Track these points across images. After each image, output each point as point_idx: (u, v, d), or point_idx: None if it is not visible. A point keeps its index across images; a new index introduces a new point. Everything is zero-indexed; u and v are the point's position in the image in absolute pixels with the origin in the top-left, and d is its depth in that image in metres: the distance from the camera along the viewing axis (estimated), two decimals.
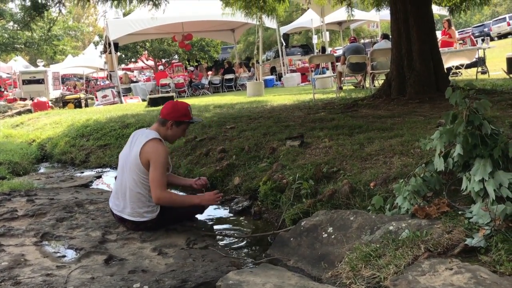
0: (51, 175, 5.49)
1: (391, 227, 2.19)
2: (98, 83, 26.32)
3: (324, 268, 2.21)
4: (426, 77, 6.05)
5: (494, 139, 2.15)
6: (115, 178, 3.24)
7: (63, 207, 3.52)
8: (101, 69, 26.41)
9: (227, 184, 4.13)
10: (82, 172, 5.74)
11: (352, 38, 11.61)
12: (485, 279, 1.64)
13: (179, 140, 5.47)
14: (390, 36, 7.29)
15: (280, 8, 9.40)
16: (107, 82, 18.94)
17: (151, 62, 28.83)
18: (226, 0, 8.97)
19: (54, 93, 19.46)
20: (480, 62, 10.61)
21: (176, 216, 3.09)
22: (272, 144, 4.38)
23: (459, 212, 2.14)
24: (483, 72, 10.66)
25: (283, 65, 17.92)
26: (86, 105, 15.08)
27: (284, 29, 20.37)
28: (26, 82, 19.56)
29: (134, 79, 24.51)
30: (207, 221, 3.43)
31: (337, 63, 10.51)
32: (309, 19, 18.08)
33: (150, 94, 14.25)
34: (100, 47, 22.98)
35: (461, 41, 11.97)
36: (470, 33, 23.04)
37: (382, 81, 7.88)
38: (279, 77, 18.44)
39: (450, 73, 10.28)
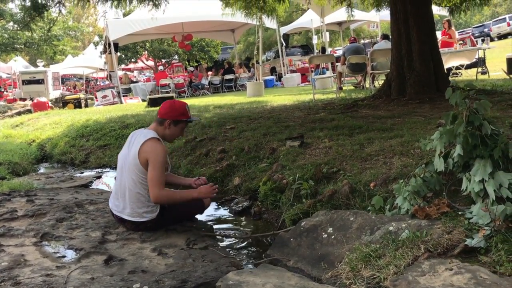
0: (51, 175, 5.49)
1: (391, 228, 2.19)
2: (98, 83, 26.33)
3: (324, 268, 2.21)
4: (426, 77, 6.06)
5: (494, 139, 2.15)
6: (115, 178, 3.24)
7: (63, 208, 3.52)
8: (101, 69, 26.41)
9: (227, 185, 4.13)
10: (82, 173, 5.74)
11: (352, 39, 11.62)
12: (485, 280, 1.64)
13: (179, 141, 5.48)
14: (390, 37, 7.29)
15: (280, 9, 9.40)
16: (107, 82, 18.95)
17: (151, 63, 28.84)
18: (226, 0, 8.97)
19: (54, 93, 19.47)
20: (480, 63, 10.61)
21: (176, 216, 3.09)
22: (272, 145, 4.38)
23: (459, 213, 2.14)
24: (483, 73, 10.67)
25: (283, 66, 17.92)
26: (86, 106, 15.08)
27: (284, 30, 20.37)
28: (26, 82, 19.57)
29: (134, 80, 24.52)
30: (207, 221, 3.43)
31: (337, 64, 10.51)
32: (309, 19, 18.08)
33: (150, 95, 14.25)
34: (100, 47, 22.99)
35: (461, 42, 11.97)
36: (470, 33, 23.06)
37: (382, 81, 7.88)
38: (279, 77, 18.45)
39: (450, 74, 10.29)
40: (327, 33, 16.42)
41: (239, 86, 17.56)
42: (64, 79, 28.90)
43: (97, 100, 15.00)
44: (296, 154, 3.92)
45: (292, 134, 4.53)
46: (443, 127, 2.38)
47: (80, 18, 49.52)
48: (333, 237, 2.39)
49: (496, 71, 10.65)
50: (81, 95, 16.21)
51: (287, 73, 17.63)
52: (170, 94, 13.53)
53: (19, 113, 13.43)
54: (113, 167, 5.63)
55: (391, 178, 2.87)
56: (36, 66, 23.42)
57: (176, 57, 27.60)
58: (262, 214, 3.43)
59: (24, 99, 17.43)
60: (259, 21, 12.20)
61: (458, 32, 17.92)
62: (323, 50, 16.02)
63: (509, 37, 26.59)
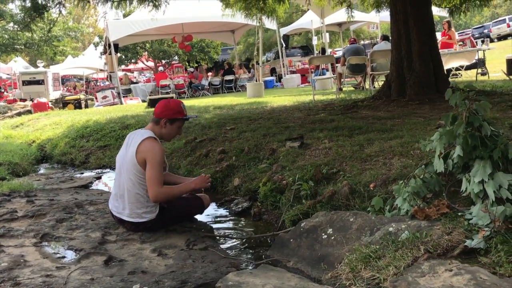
0: (51, 176, 5.49)
1: (390, 229, 2.19)
2: (98, 84, 26.31)
3: (323, 269, 2.21)
4: (426, 78, 6.06)
5: (494, 140, 2.15)
6: (114, 180, 3.24)
7: (62, 208, 3.52)
8: (101, 70, 26.45)
9: (227, 185, 4.13)
10: (82, 173, 5.74)
11: (352, 40, 11.63)
12: (484, 281, 1.64)
13: (179, 141, 5.48)
14: (390, 38, 7.29)
15: (280, 9, 9.40)
16: (107, 83, 18.95)
17: (151, 63, 28.86)
18: (226, 1, 8.98)
19: (54, 94, 19.48)
20: (480, 64, 10.62)
21: (176, 216, 3.09)
22: (272, 145, 4.38)
23: (459, 214, 2.14)
24: (483, 74, 10.67)
25: (283, 66, 17.93)
26: (86, 106, 15.10)
27: (284, 30, 20.38)
28: (26, 83, 19.58)
29: (134, 80, 24.54)
30: (207, 222, 3.43)
31: (337, 65, 10.51)
32: (309, 20, 18.10)
33: (150, 95, 14.26)
34: (100, 48, 23.01)
35: (461, 43, 11.98)
36: (470, 34, 23.06)
37: (382, 82, 7.89)
38: (279, 78, 18.45)
39: (450, 75, 10.29)
40: (327, 34, 16.44)
41: (239, 87, 17.57)
42: (64, 80, 28.94)
43: (97, 101, 15.01)
44: (296, 155, 3.92)
45: (292, 135, 4.53)
46: (442, 128, 2.38)
47: (80, 18, 49.55)
48: (333, 238, 2.39)
49: (495, 72, 10.66)
50: (81, 96, 16.23)
51: (287, 74, 17.63)
52: (170, 95, 13.54)
53: (19, 114, 13.44)
54: (113, 167, 5.62)
55: (390, 179, 2.88)
56: (36, 66, 23.43)
57: (176, 58, 27.62)
58: (262, 215, 3.43)
59: (24, 100, 17.43)
60: (259, 22, 12.22)
61: (458, 33, 17.93)
62: (323, 51, 16.04)
63: (509, 38, 26.62)
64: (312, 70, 12.78)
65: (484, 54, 10.80)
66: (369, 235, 2.26)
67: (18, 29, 20.86)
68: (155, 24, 13.59)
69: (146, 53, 27.27)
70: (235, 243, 3.00)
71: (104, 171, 5.76)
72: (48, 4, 7.77)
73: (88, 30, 47.37)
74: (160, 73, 18.97)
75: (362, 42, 24.06)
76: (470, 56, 10.20)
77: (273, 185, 3.48)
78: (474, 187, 2.09)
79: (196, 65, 25.30)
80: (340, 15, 14.87)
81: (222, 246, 2.91)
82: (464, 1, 8.18)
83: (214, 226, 3.36)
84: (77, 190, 4.41)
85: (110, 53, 15.17)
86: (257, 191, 3.64)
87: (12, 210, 3.47)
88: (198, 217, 3.36)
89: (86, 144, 6.93)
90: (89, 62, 26.37)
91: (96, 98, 15.48)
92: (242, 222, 3.45)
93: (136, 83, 20.55)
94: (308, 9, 17.22)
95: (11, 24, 22.30)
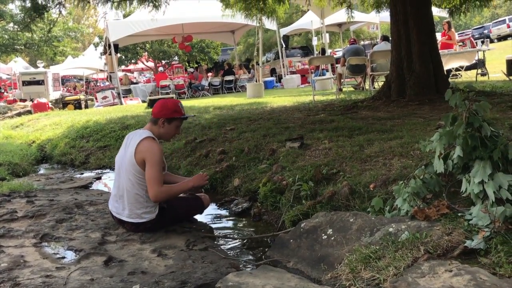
0: (51, 176, 5.49)
1: (390, 229, 2.19)
2: (98, 84, 26.34)
3: (323, 269, 2.21)
4: (426, 79, 6.07)
5: (493, 141, 2.15)
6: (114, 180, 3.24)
7: (62, 208, 3.52)
8: (101, 71, 26.46)
9: (226, 186, 4.13)
10: (82, 173, 5.74)
11: (352, 40, 11.63)
12: (484, 281, 1.64)
13: (179, 142, 5.48)
14: (390, 38, 7.30)
15: (280, 10, 9.41)
16: (107, 83, 18.96)
17: (151, 64, 28.87)
18: (226, 1, 8.98)
19: (54, 94, 19.47)
20: (479, 64, 10.62)
21: (175, 217, 3.09)
22: (272, 146, 4.38)
23: (459, 214, 2.14)
24: (483, 74, 10.68)
25: (283, 67, 17.94)
26: (86, 106, 15.09)
27: (284, 31, 20.40)
28: (26, 83, 19.58)
29: (134, 81, 24.55)
30: (207, 222, 3.43)
31: (337, 65, 10.51)
32: (309, 20, 18.12)
33: (150, 96, 14.27)
34: (100, 49, 23.01)
35: (461, 43, 11.99)
36: (470, 35, 23.09)
37: (382, 83, 7.89)
38: (279, 78, 18.46)
39: (450, 75, 10.29)
40: (327, 35, 16.45)
41: (239, 87, 17.58)
42: (64, 80, 28.94)
43: (97, 101, 15.02)
44: (296, 155, 3.92)
45: (292, 135, 4.53)
46: (442, 128, 2.38)
47: (80, 19, 49.57)
48: (332, 238, 2.39)
49: (495, 72, 10.67)
50: (81, 96, 16.22)
51: (287, 74, 17.64)
52: (170, 95, 13.54)
53: (19, 114, 13.44)
54: (113, 168, 5.60)
55: (390, 180, 2.88)
56: (36, 67, 23.44)
57: (176, 58, 27.63)
58: (261, 215, 3.43)
59: (24, 100, 17.42)
60: (259, 23, 12.23)
61: (458, 34, 17.94)
62: (323, 51, 16.04)
63: (508, 38, 26.63)
64: (312, 70, 12.79)
65: (484, 54, 10.80)
66: (369, 235, 2.26)
67: (18, 29, 20.86)
68: (155, 25, 13.60)
69: (146, 53, 27.29)
70: (235, 243, 3.00)
71: (104, 171, 5.76)
72: (48, 5, 7.78)
73: (88, 31, 47.39)
74: (160, 74, 18.97)
75: (362, 42, 24.08)
76: (470, 56, 10.21)
77: (273, 185, 3.48)
78: (474, 188, 2.09)
79: (196, 65, 25.31)
80: (340, 15, 14.89)
81: (222, 247, 2.90)
82: (464, 1, 8.18)
83: (214, 226, 3.36)
84: (77, 191, 4.41)
85: (110, 54, 15.17)
86: (257, 192, 3.64)
87: (12, 210, 3.47)
88: (198, 217, 3.36)
89: (86, 144, 6.93)
90: (89, 62, 26.38)
91: (96, 99, 15.48)
92: (242, 223, 3.45)
93: (136, 83, 20.57)
94: (308, 10, 17.25)
95: (11, 24, 22.31)
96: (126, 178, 2.92)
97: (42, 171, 6.35)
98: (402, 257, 1.91)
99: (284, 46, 18.81)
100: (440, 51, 7.28)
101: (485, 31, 30.66)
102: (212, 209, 3.73)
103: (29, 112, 13.43)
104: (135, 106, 12.09)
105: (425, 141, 2.56)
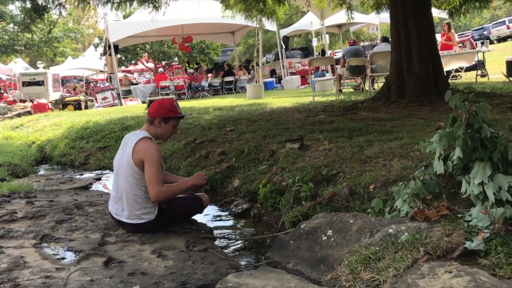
0: (51, 177, 5.48)
1: (390, 230, 2.19)
2: (98, 85, 26.33)
3: (323, 271, 2.21)
4: (426, 80, 6.07)
5: (493, 142, 2.15)
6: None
7: (62, 209, 3.52)
8: (101, 71, 26.46)
9: (226, 187, 4.13)
10: (82, 174, 5.74)
11: (351, 41, 11.63)
12: (484, 282, 1.64)
13: (179, 142, 5.48)
14: (390, 39, 7.30)
15: (280, 11, 9.42)
16: (107, 84, 18.95)
17: (151, 64, 28.87)
18: (226, 2, 8.98)
19: (54, 95, 19.46)
20: (479, 65, 10.63)
21: (175, 217, 3.09)
22: (272, 147, 4.38)
23: (459, 215, 2.14)
24: (483, 75, 10.69)
25: (283, 68, 17.95)
26: (86, 107, 15.09)
27: (284, 32, 20.40)
28: (26, 84, 19.56)
29: (134, 81, 24.55)
30: (207, 223, 3.43)
31: (336, 66, 10.52)
32: (309, 21, 18.13)
33: (150, 96, 14.28)
34: (100, 49, 23.03)
35: (460, 44, 12.00)
36: (470, 36, 23.10)
37: (382, 84, 7.89)
38: (279, 79, 18.47)
39: (450, 76, 10.30)
40: (327, 36, 16.48)
41: (239, 88, 17.59)
42: (64, 81, 28.93)
43: (97, 102, 15.02)
44: (295, 156, 3.92)
45: (291, 136, 4.53)
46: (442, 129, 2.39)
47: (80, 20, 49.59)
48: (332, 239, 2.39)
49: (495, 73, 10.67)
50: (81, 97, 16.22)
51: (287, 75, 17.65)
52: (170, 96, 13.55)
53: (19, 115, 13.44)
54: (113, 169, 5.63)
55: (390, 181, 2.88)
56: (36, 67, 23.41)
57: (176, 59, 27.63)
58: (261, 216, 3.43)
59: (24, 101, 17.42)
60: (259, 24, 12.24)
61: (458, 35, 17.96)
62: (323, 52, 16.06)
63: (508, 40, 26.65)
64: (312, 71, 12.79)
65: (483, 55, 10.82)
66: (369, 236, 2.26)
67: (18, 30, 20.87)
68: (155, 26, 13.60)
69: (146, 54, 27.29)
70: (235, 244, 3.00)
71: (104, 172, 5.76)
72: (48, 5, 7.78)
73: (88, 31, 47.39)
74: (160, 74, 18.97)
75: (362, 43, 24.10)
76: (469, 57, 10.22)
77: (273, 186, 3.48)
78: (474, 189, 2.09)
79: (196, 66, 25.32)
80: (340, 16, 14.88)
81: (222, 248, 2.90)
82: (463, 2, 8.19)
83: (214, 227, 3.36)
84: (76, 191, 4.41)
85: (110, 54, 15.18)
86: (257, 193, 3.64)
87: (11, 211, 3.47)
88: (198, 218, 3.36)
89: (86, 145, 6.93)
90: (89, 63, 26.40)
91: (96, 99, 15.48)
92: (242, 224, 3.45)
93: (136, 84, 20.57)
94: (308, 11, 17.26)
95: (11, 25, 22.31)
96: (125, 179, 2.92)
97: (42, 172, 6.35)
98: (402, 258, 1.91)
99: (284, 47, 18.83)
100: (440, 52, 7.28)
101: (485, 32, 30.69)
102: (212, 210, 3.74)
103: (29, 112, 13.43)
104: (135, 107, 12.10)
105: (425, 142, 2.56)
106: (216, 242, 3.00)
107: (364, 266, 1.98)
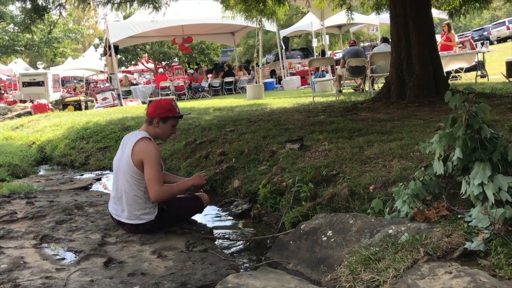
0: (51, 178, 5.49)
1: (390, 231, 2.19)
2: (98, 85, 26.32)
3: (323, 271, 2.21)
4: (426, 80, 6.07)
5: (493, 142, 2.15)
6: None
7: (62, 210, 3.52)
8: (101, 72, 26.45)
9: (226, 187, 4.13)
10: (82, 175, 5.74)
11: (351, 42, 11.63)
12: (484, 283, 1.64)
13: (179, 143, 5.48)
14: (390, 40, 7.31)
15: (280, 12, 9.42)
16: (107, 84, 18.96)
17: (151, 65, 28.87)
18: (226, 3, 8.99)
19: (54, 96, 19.47)
20: (479, 66, 10.64)
21: (175, 217, 3.09)
22: (272, 147, 4.38)
23: (459, 216, 2.14)
24: (483, 76, 10.69)
25: (283, 68, 17.95)
26: (86, 108, 15.09)
27: (284, 32, 20.40)
28: (26, 84, 19.56)
29: (134, 82, 24.54)
30: (207, 223, 3.43)
31: (336, 67, 10.52)
32: (309, 22, 18.13)
33: (150, 97, 14.27)
34: (100, 50, 23.02)
35: (460, 45, 12.00)
36: (470, 36, 23.12)
37: (382, 84, 7.90)
38: (279, 80, 18.48)
39: (450, 77, 10.30)
40: (327, 36, 16.48)
41: (239, 88, 17.59)
42: (64, 81, 28.93)
43: (97, 102, 15.02)
44: (295, 157, 3.92)
45: (291, 136, 4.53)
46: (442, 130, 2.39)
47: (80, 20, 49.60)
48: (332, 240, 2.39)
49: (495, 74, 10.68)
50: (81, 97, 16.22)
51: (287, 76, 17.66)
52: (170, 97, 13.55)
53: (19, 115, 13.44)
54: (113, 169, 5.63)
55: (390, 181, 2.88)
56: (36, 68, 23.42)
57: (176, 59, 27.63)
58: (261, 216, 3.43)
59: (24, 101, 17.42)
60: (259, 24, 12.25)
61: (458, 36, 17.97)
62: (323, 53, 16.06)
63: (508, 40, 26.65)
64: (312, 72, 12.79)
65: (483, 56, 10.82)
66: (369, 237, 2.26)
67: (19, 30, 20.86)
68: (155, 26, 13.60)
69: (146, 54, 27.28)
70: (235, 245, 3.01)
71: (104, 172, 5.76)
72: (49, 6, 7.78)
73: (88, 32, 47.39)
74: (160, 75, 18.98)
75: (362, 44, 24.11)
76: (469, 58, 10.22)
77: (273, 187, 3.48)
78: (474, 190, 2.09)
79: (196, 67, 25.33)
80: (340, 17, 14.89)
81: (222, 248, 2.91)
82: (463, 3, 8.19)
83: (214, 227, 3.36)
84: (77, 192, 4.41)
85: (110, 55, 15.18)
86: (257, 193, 3.65)
87: (12, 211, 3.47)
88: (198, 219, 3.37)
89: (86, 145, 6.94)
90: (89, 63, 26.38)
91: (96, 100, 15.48)
92: (242, 224, 3.45)
93: (136, 84, 20.56)
94: (308, 11, 17.27)
95: (12, 25, 22.31)
96: (124, 179, 2.92)
97: (42, 172, 6.35)
98: (402, 259, 1.91)
99: (284, 47, 18.83)
100: (440, 53, 7.29)
101: (485, 33, 30.68)
102: (212, 211, 3.74)
103: (29, 113, 13.43)
104: (135, 108, 12.10)
105: (424, 143, 2.56)
106: (216, 243, 3.00)
107: (364, 267, 1.98)
